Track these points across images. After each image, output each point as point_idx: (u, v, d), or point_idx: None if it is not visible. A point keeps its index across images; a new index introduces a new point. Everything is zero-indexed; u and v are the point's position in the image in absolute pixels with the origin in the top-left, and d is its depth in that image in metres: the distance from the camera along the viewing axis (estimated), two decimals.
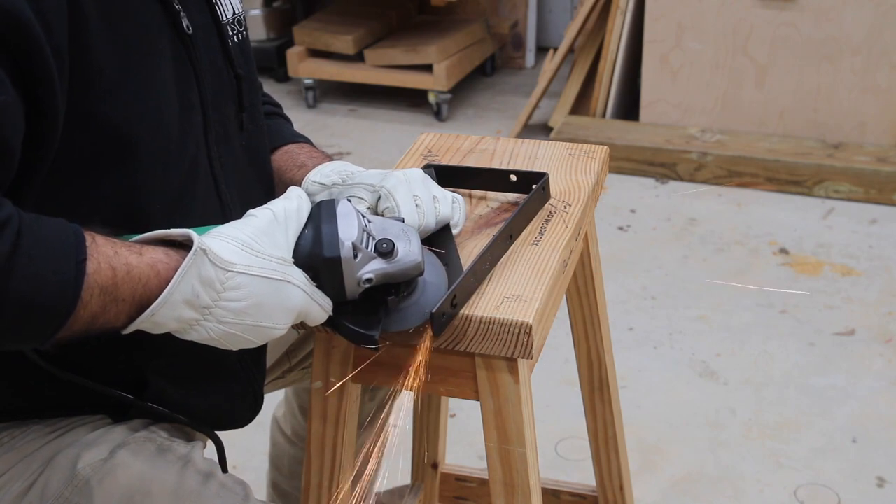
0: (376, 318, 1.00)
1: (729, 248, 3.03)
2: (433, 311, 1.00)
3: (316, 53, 4.15)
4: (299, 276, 0.97)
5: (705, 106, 3.59)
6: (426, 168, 1.25)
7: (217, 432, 1.20)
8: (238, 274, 0.94)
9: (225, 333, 0.96)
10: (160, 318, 0.93)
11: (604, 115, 3.68)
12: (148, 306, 0.92)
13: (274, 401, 1.71)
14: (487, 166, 1.35)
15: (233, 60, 1.16)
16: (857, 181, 3.26)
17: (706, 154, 3.41)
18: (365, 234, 0.98)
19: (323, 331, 1.12)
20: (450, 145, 1.42)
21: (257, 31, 4.35)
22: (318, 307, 0.99)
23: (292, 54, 4.13)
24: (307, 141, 1.36)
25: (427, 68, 3.95)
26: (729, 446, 2.22)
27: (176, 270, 0.92)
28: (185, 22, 1.07)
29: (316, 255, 0.97)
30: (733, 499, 2.08)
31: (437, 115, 4.04)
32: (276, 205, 0.99)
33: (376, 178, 1.16)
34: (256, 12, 4.36)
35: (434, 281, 1.04)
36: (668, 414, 2.33)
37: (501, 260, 1.14)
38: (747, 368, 2.48)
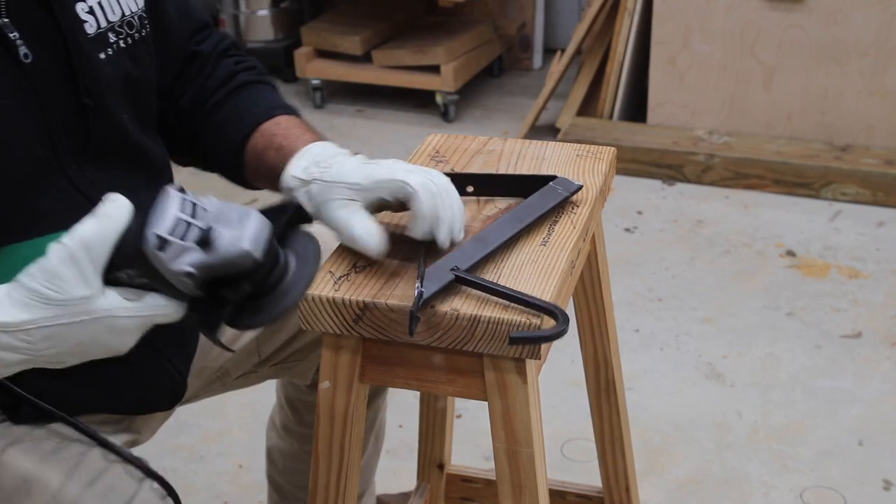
0: (219, 314, 0.93)
1: (736, 250, 3.03)
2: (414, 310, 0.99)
3: (323, 54, 4.15)
4: (111, 302, 0.90)
5: (713, 108, 3.59)
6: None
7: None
8: (39, 328, 0.89)
9: (71, 358, 0.93)
10: None
11: (611, 117, 3.68)
12: None
13: (272, 397, 1.72)
14: (527, 173, 1.33)
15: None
16: (864, 184, 3.26)
17: (713, 156, 3.40)
18: (184, 223, 0.89)
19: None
20: (457, 146, 1.42)
21: (265, 32, 4.37)
22: (158, 316, 0.93)
23: (300, 55, 4.14)
24: (286, 111, 1.28)
25: (434, 69, 3.96)
26: (735, 448, 2.22)
27: None
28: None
29: (126, 253, 0.89)
30: (739, 501, 2.08)
31: (445, 115, 4.05)
32: (74, 234, 0.89)
33: (359, 175, 1.09)
34: (264, 12, 4.37)
35: (302, 273, 0.95)
36: (674, 416, 2.33)
37: (509, 261, 1.14)
38: (754, 370, 2.48)
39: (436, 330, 1.06)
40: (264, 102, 1.29)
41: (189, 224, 0.89)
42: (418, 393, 1.68)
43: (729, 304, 2.75)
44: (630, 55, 3.63)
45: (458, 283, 1.08)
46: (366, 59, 4.08)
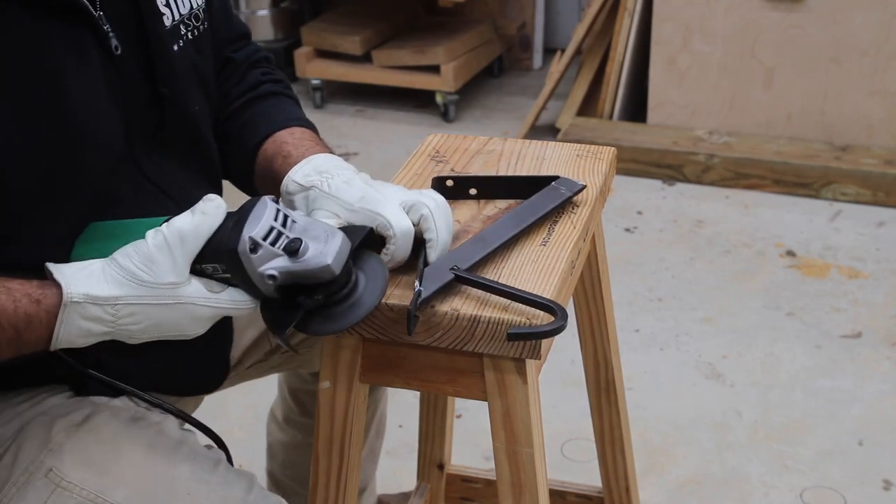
0: (291, 317, 1.01)
1: (736, 250, 3.02)
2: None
3: (324, 54, 4.16)
4: (195, 291, 0.99)
5: (713, 108, 3.59)
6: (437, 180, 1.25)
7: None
8: (126, 305, 0.98)
9: (146, 334, 1.00)
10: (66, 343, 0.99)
11: (611, 117, 3.68)
12: (36, 345, 0.98)
13: (273, 396, 1.72)
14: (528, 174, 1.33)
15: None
16: (864, 184, 3.26)
17: (713, 156, 3.41)
18: (276, 231, 0.99)
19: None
20: (457, 146, 1.42)
21: (265, 32, 4.36)
22: (233, 309, 1.01)
23: (300, 55, 4.14)
24: (302, 125, 1.30)
25: (434, 69, 3.96)
26: (735, 448, 2.22)
27: (49, 324, 0.97)
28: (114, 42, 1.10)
29: (218, 250, 0.99)
30: (739, 501, 2.08)
31: (445, 115, 4.05)
32: (172, 225, 0.99)
33: (354, 196, 1.10)
34: (264, 12, 4.37)
35: (372, 292, 1.03)
36: (674, 416, 2.33)
37: (509, 261, 1.14)
38: (754, 370, 2.48)
39: (436, 330, 1.06)
40: (282, 114, 1.32)
41: (280, 233, 0.99)
42: (418, 393, 1.68)
43: (729, 304, 2.75)
44: (630, 55, 3.63)
45: (458, 282, 1.08)
46: (366, 59, 4.08)
